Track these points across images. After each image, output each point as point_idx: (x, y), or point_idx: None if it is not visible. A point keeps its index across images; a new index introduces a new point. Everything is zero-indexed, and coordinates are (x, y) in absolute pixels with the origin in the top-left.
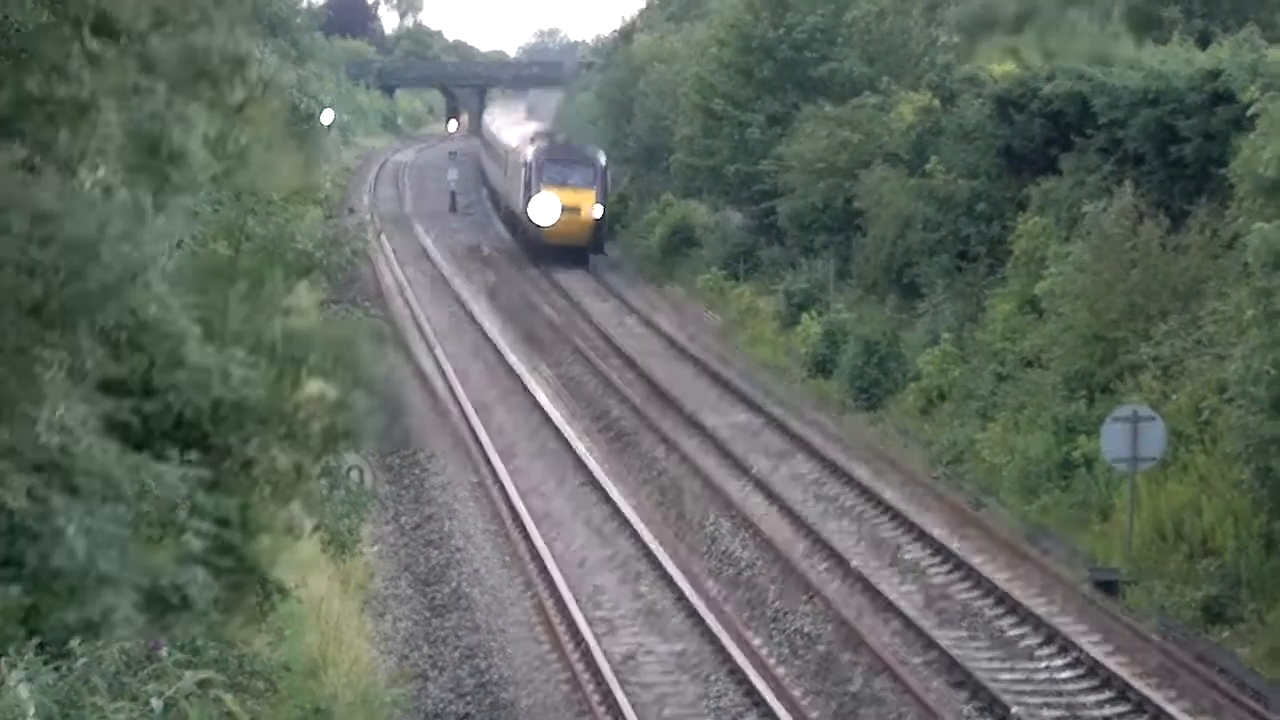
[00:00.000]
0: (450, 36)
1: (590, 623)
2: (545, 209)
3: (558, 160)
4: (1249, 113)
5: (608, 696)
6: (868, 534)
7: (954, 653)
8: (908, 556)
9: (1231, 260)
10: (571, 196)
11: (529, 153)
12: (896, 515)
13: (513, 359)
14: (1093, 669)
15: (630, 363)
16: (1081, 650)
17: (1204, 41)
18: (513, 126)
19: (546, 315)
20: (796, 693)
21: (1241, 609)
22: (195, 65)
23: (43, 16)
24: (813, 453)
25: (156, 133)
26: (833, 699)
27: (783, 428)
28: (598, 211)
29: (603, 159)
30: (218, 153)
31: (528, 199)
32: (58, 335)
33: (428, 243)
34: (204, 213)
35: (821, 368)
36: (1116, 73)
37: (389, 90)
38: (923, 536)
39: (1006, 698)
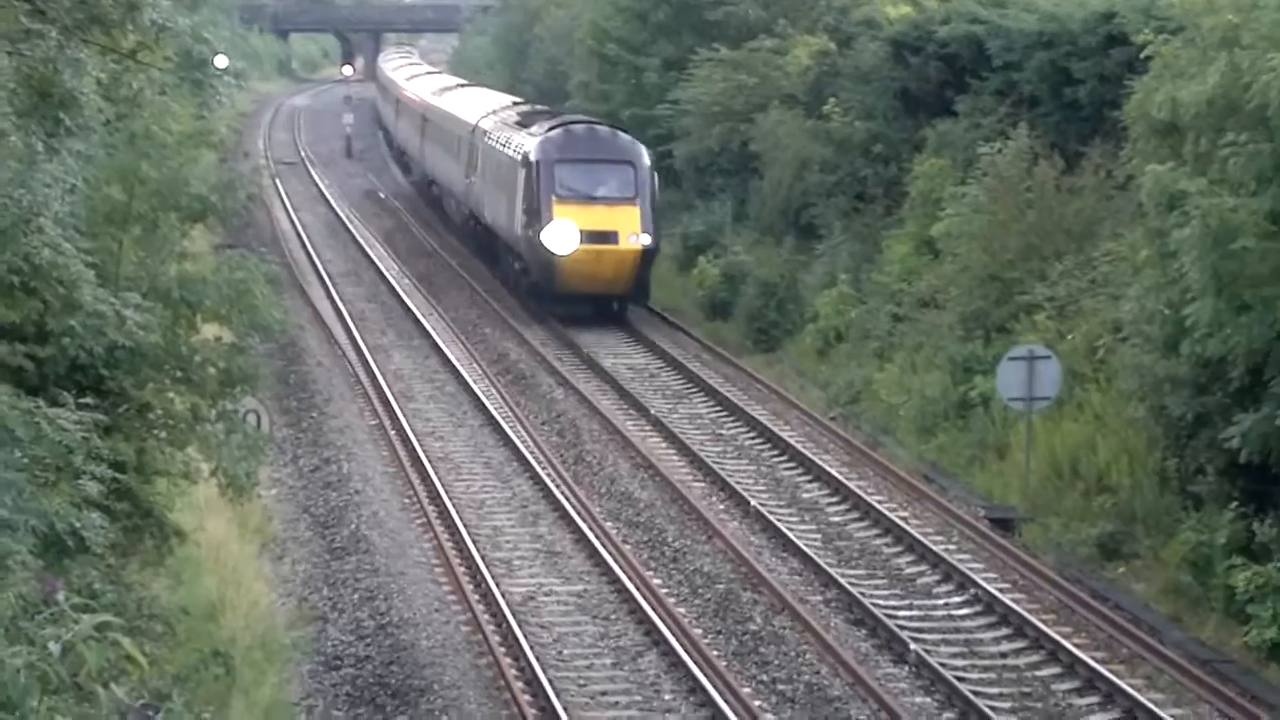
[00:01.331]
0: None
1: (489, 564)
2: (561, 239)
3: (578, 159)
4: (1142, 55)
5: (508, 637)
6: (766, 474)
7: (853, 590)
8: (806, 496)
9: (1125, 201)
10: (603, 218)
11: (525, 145)
12: (795, 455)
13: (410, 302)
14: (990, 606)
15: (526, 304)
16: (979, 587)
17: None
18: (466, 91)
19: (444, 259)
20: (697, 632)
21: (1137, 545)
22: (87, 10)
23: None
24: (711, 393)
25: (48, 77)
26: (733, 637)
27: (681, 369)
28: (644, 239)
29: (645, 154)
30: (111, 97)
31: (531, 222)
32: None
33: (324, 187)
34: (97, 157)
35: (719, 310)
36: (1011, 15)
37: (283, 34)
38: (821, 476)
39: (905, 634)
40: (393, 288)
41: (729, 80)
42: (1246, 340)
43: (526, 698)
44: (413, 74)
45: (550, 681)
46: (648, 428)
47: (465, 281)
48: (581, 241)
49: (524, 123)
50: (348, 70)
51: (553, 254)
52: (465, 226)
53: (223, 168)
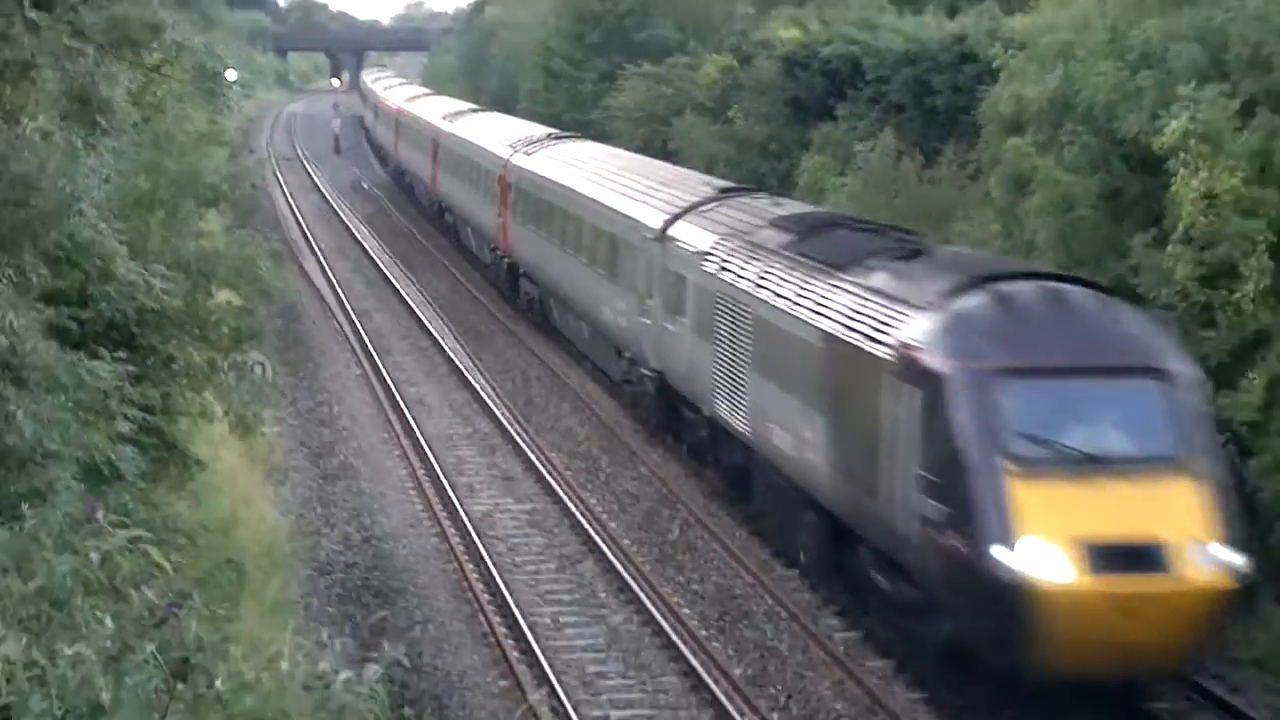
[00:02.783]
0: (334, 7)
1: (455, 487)
2: (1035, 562)
3: (1046, 369)
4: (994, 65)
5: (470, 547)
6: None
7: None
8: None
9: (975, 190)
10: (1124, 509)
11: (900, 327)
12: None
13: (390, 274)
14: None
15: (491, 279)
16: None
17: (952, 12)
18: (579, 150)
19: (420, 241)
20: (625, 541)
21: None
22: (119, 32)
23: None
24: None
25: (87, 87)
26: (655, 546)
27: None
28: (1228, 558)
29: (1174, 348)
30: (139, 103)
31: (953, 517)
32: (6, 255)
33: (316, 178)
34: (127, 153)
35: None
36: (882, 37)
37: (282, 53)
38: None
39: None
40: (375, 262)
41: (651, 90)
42: None
43: (486, 597)
44: (454, 110)
45: (506, 584)
46: (587, 375)
47: (437, 259)
48: (1086, 569)
49: (824, 255)
50: (336, 82)
51: (1019, 595)
52: (643, 404)
53: (232, 162)
